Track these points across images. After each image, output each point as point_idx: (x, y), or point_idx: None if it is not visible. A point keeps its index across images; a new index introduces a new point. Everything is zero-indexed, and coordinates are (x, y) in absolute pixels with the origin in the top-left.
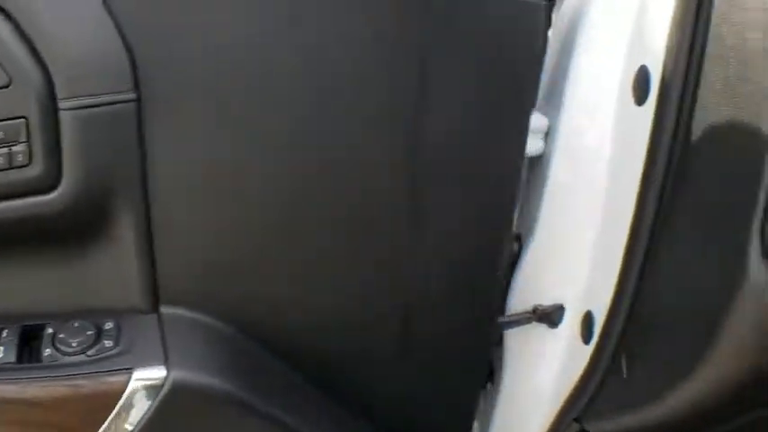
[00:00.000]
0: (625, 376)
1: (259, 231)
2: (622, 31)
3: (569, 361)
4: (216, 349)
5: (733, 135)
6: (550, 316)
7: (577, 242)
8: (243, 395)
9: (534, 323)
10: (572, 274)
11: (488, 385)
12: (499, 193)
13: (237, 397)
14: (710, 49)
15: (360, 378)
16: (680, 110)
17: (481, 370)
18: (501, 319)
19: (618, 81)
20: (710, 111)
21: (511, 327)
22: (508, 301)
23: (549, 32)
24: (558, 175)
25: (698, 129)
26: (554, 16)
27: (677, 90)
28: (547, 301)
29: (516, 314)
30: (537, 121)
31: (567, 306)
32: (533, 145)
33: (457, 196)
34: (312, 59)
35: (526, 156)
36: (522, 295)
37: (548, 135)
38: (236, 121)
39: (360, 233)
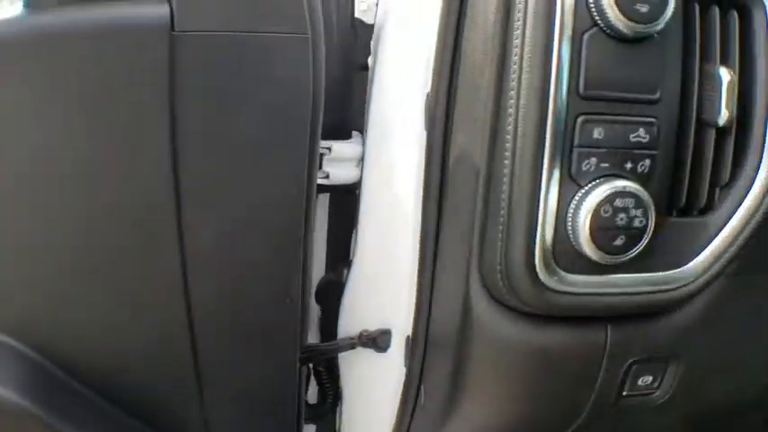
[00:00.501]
0: (422, 403)
1: (48, 276)
2: (417, 55)
3: (398, 386)
4: (14, 366)
5: (466, 164)
6: (376, 341)
7: (398, 265)
8: (41, 413)
9: (367, 348)
10: (396, 297)
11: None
12: (282, 227)
13: (35, 414)
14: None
15: (162, 406)
16: (436, 136)
17: (289, 398)
18: (326, 346)
19: (414, 105)
20: (455, 141)
21: (335, 353)
22: (341, 326)
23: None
24: (374, 200)
25: (452, 156)
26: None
27: (431, 118)
28: (375, 325)
29: (341, 339)
30: (350, 148)
31: (393, 330)
32: (349, 173)
33: (233, 228)
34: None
35: (344, 182)
36: (351, 320)
37: (363, 161)
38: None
39: (131, 271)
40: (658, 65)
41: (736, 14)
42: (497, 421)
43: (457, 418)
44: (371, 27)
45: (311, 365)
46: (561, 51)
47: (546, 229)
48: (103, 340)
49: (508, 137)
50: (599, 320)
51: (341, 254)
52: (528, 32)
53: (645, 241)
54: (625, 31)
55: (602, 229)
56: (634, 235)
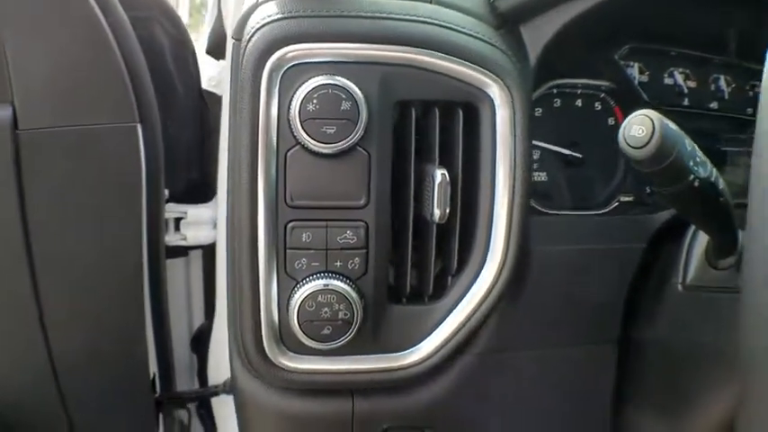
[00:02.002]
0: None
1: None
2: None
3: None
4: None
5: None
6: None
7: None
8: None
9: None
10: None
11: None
12: (125, 286)
13: None
14: None
15: None
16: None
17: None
18: (189, 393)
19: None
20: None
21: (199, 399)
22: (211, 372)
23: None
24: (222, 256)
25: None
26: None
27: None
28: None
29: (208, 387)
30: (207, 211)
31: None
32: (206, 234)
33: (82, 290)
34: None
35: (203, 243)
36: (220, 366)
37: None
38: None
39: None
40: (361, 174)
41: (461, 113)
42: None
43: None
44: (221, 97)
45: (192, 408)
46: (269, 167)
47: (272, 317)
48: None
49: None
50: (345, 392)
51: (213, 305)
52: (242, 151)
53: (353, 331)
54: (318, 150)
55: (308, 320)
56: (340, 326)
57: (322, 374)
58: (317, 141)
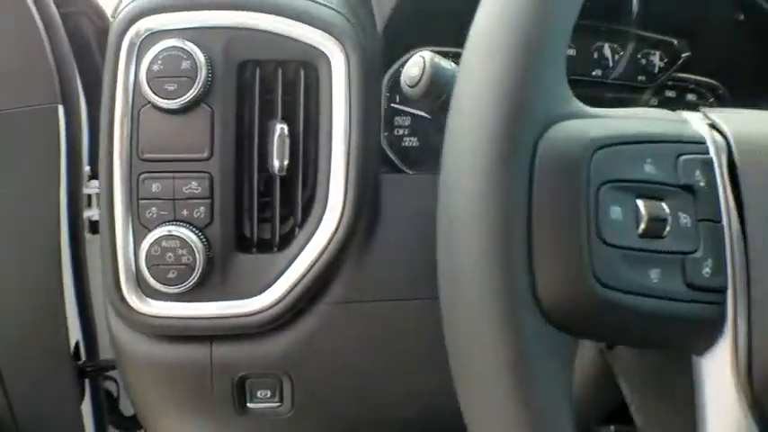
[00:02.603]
0: None
1: None
2: None
3: None
4: None
5: None
6: None
7: None
8: None
9: None
10: None
11: None
12: (42, 261)
13: None
14: None
15: None
16: None
17: (71, 407)
18: (105, 362)
19: None
20: None
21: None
22: None
23: None
24: None
25: None
26: None
27: None
28: None
29: None
30: None
31: None
32: None
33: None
34: None
35: None
36: None
37: None
38: None
39: None
40: (205, 128)
41: (302, 72)
42: None
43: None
44: None
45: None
46: (123, 125)
47: (129, 264)
48: None
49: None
50: (204, 338)
51: None
52: (105, 112)
53: (196, 275)
54: (162, 105)
55: (155, 264)
56: (183, 270)
57: (177, 319)
58: (160, 97)
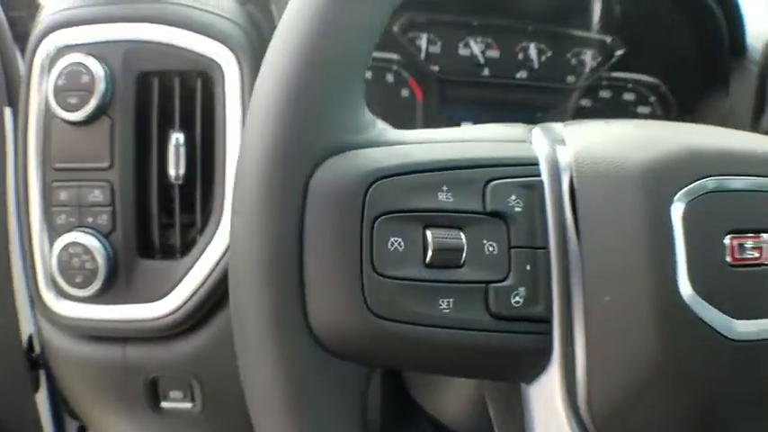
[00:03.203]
0: None
1: None
2: None
3: None
4: None
5: None
6: None
7: None
8: None
9: None
10: None
11: None
12: None
13: None
14: None
15: None
16: None
17: (24, 398)
18: None
19: None
20: None
21: None
22: None
23: None
24: None
25: None
26: None
27: None
28: None
29: None
30: None
31: None
32: None
33: None
34: None
35: None
36: None
37: None
38: None
39: None
40: (106, 139)
41: (198, 82)
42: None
43: None
44: None
45: None
46: (38, 135)
47: (46, 267)
48: None
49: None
50: (118, 339)
51: None
52: (20, 123)
53: (101, 280)
54: (68, 117)
55: (64, 269)
56: (88, 275)
57: (89, 321)
58: (65, 110)
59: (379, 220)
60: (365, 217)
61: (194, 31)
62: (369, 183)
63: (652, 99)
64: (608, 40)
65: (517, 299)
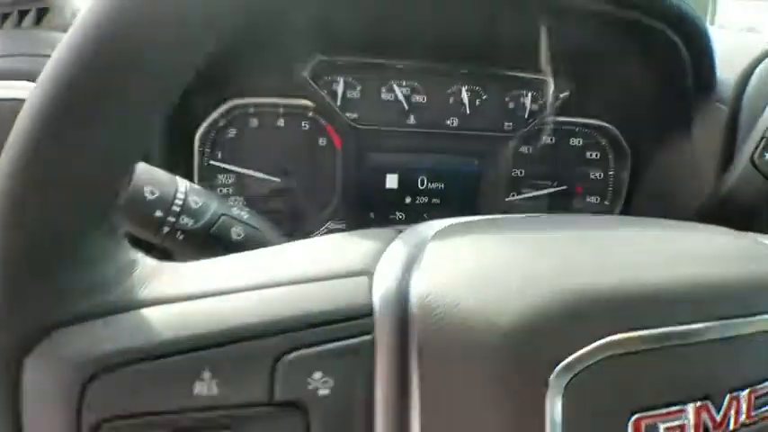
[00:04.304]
0: None
1: None
2: None
3: None
4: None
5: None
6: None
7: None
8: None
9: None
10: None
11: None
12: None
13: None
14: None
15: None
16: None
17: None
18: None
19: None
20: None
21: None
22: None
23: None
24: None
25: None
26: None
27: None
28: None
29: None
30: None
31: None
32: None
33: None
34: None
35: None
36: None
37: None
38: None
39: None
40: None
41: None
42: None
43: None
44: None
45: None
46: None
47: None
48: None
49: None
50: None
51: None
52: None
53: None
54: None
55: None
56: None
57: None
58: None
59: (105, 426)
60: (83, 425)
61: None
62: (85, 378)
63: (603, 142)
64: (550, 80)
65: None
